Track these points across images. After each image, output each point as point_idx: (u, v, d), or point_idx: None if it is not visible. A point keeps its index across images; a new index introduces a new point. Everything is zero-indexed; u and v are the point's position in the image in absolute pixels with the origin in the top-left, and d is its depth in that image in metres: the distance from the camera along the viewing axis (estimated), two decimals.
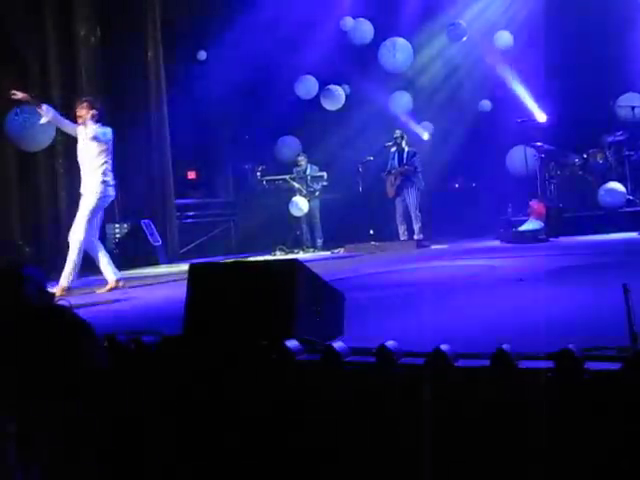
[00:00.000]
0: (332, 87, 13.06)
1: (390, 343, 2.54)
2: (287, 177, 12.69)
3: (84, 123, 7.36)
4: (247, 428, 2.82)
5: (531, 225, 10.35)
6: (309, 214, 12.49)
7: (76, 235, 7.13)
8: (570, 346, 2.22)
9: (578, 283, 5.20)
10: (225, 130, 14.25)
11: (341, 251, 11.30)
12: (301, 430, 2.70)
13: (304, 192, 12.44)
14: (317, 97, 13.22)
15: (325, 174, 12.64)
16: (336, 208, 12.86)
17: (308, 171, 12.89)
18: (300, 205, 12.12)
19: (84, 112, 7.37)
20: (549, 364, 2.27)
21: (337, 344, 2.68)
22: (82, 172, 7.43)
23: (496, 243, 10.30)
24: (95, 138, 7.28)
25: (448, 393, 2.40)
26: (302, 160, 12.98)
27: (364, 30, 13.14)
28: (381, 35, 13.05)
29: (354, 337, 3.17)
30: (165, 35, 12.50)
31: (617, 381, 2.16)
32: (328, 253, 11.50)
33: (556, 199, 11.37)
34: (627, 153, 11.45)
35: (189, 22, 13.30)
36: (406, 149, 11.82)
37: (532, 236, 9.99)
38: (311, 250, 12.31)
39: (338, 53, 12.88)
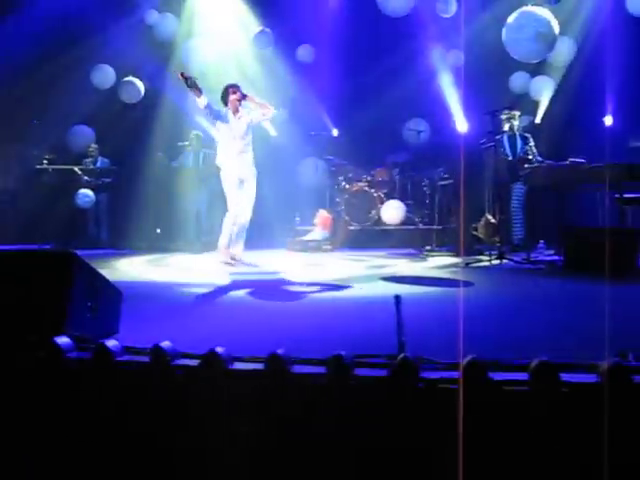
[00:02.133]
0: (131, 79, 12.70)
1: (165, 344, 2.48)
2: (75, 168, 12.16)
3: (237, 109, 8.12)
4: (11, 429, 2.64)
5: (317, 235, 10.66)
6: (95, 208, 12.07)
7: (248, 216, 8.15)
8: (341, 352, 2.29)
9: (357, 293, 5.41)
10: (12, 112, 13.35)
11: (126, 248, 10.97)
12: (73, 431, 2.57)
13: (92, 185, 11.99)
14: (115, 88, 12.80)
15: (115, 168, 12.27)
16: (124, 204, 12.47)
17: (99, 163, 12.46)
18: (86, 198, 11.66)
19: (238, 97, 8.10)
20: (321, 369, 2.33)
21: (110, 342, 2.58)
22: (240, 155, 8.03)
23: (283, 251, 10.49)
24: (249, 125, 8.18)
25: (222, 394, 2.39)
26: (93, 151, 12.51)
27: (169, 25, 12.92)
28: (186, 32, 12.89)
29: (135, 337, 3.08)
30: None
31: (385, 387, 2.25)
32: (113, 249, 11.14)
33: (343, 212, 11.78)
34: (410, 174, 12.15)
35: None
36: (202, 150, 11.77)
37: (317, 246, 10.30)
38: (95, 245, 11.87)
39: (140, 46, 12.53)
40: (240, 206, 8.06)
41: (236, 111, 8.15)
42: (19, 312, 2.86)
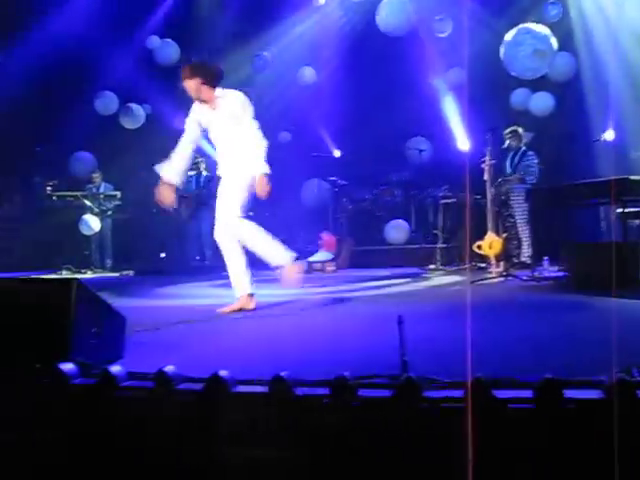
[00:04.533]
0: (132, 105, 12.80)
1: (169, 368, 2.48)
2: (79, 194, 12.22)
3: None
4: (17, 456, 2.64)
5: (321, 256, 10.67)
6: (100, 234, 12.11)
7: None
8: (345, 374, 2.29)
9: (360, 313, 5.41)
10: (16, 140, 13.45)
11: (130, 273, 10.99)
12: (74, 459, 2.57)
13: (96, 210, 12.04)
14: (117, 114, 12.89)
15: (119, 193, 12.32)
16: (128, 229, 12.52)
17: (102, 189, 12.52)
18: (91, 224, 11.71)
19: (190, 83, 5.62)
20: (325, 391, 2.32)
21: (114, 368, 2.58)
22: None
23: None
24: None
25: (226, 416, 2.39)
26: (96, 177, 12.59)
27: (170, 50, 13.05)
28: (187, 57, 13.01)
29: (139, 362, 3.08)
30: None
31: (388, 407, 2.25)
32: (117, 275, 11.16)
33: (346, 232, 11.81)
34: (413, 192, 12.17)
35: None
36: (204, 173, 11.85)
37: (321, 266, 10.31)
38: (100, 271, 11.91)
39: (142, 71, 12.65)
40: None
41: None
42: (24, 339, 2.87)
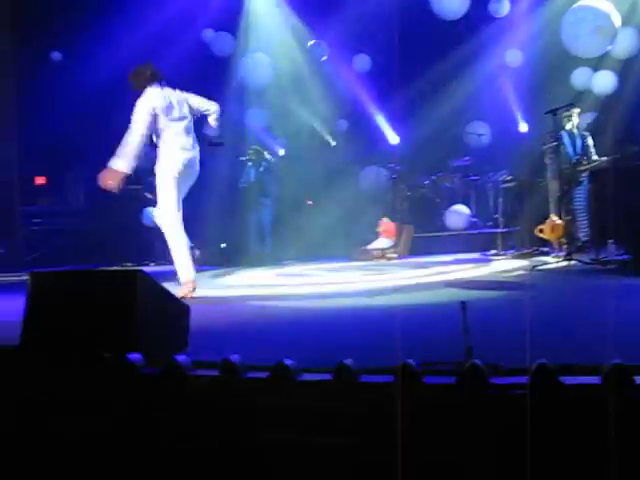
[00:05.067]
0: None
1: (234, 357, 2.51)
2: (140, 187, 12.41)
3: None
4: (86, 445, 2.70)
5: (381, 243, 10.63)
6: None
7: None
8: (409, 361, 2.28)
9: (422, 300, 5.38)
10: (79, 135, 13.73)
11: None
12: (142, 446, 2.62)
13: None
14: None
15: None
16: (190, 221, 12.65)
17: None
18: (153, 215, 11.88)
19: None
20: (389, 378, 2.32)
21: (180, 357, 2.63)
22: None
23: (346, 260, 10.48)
24: None
25: (289, 405, 2.41)
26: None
27: (225, 42, 13.12)
28: (242, 49, 13.08)
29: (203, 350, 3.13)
30: (20, 33, 11.98)
31: (454, 393, 2.24)
32: None
33: (406, 219, 11.73)
34: (472, 177, 12.03)
35: (46, 20, 12.78)
36: (262, 163, 11.91)
37: (381, 254, 10.27)
38: (162, 262, 12.08)
39: (196, 64, 12.76)
40: None
41: None
42: (92, 330, 2.94)
